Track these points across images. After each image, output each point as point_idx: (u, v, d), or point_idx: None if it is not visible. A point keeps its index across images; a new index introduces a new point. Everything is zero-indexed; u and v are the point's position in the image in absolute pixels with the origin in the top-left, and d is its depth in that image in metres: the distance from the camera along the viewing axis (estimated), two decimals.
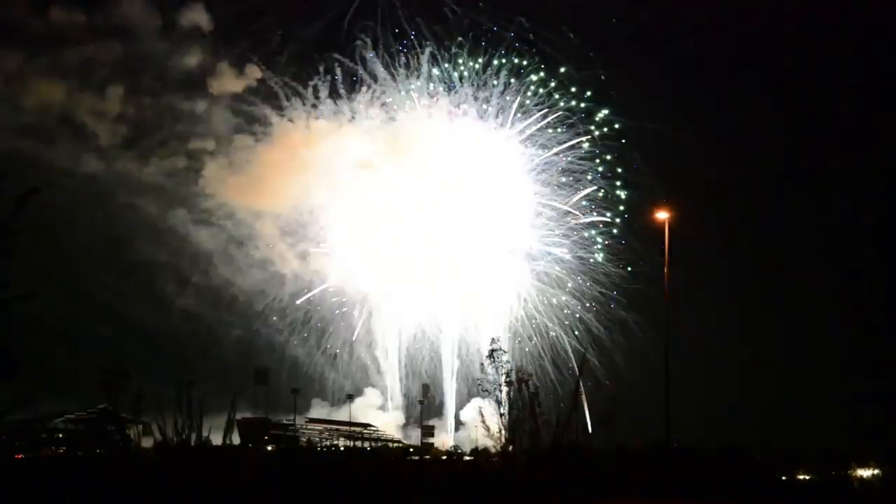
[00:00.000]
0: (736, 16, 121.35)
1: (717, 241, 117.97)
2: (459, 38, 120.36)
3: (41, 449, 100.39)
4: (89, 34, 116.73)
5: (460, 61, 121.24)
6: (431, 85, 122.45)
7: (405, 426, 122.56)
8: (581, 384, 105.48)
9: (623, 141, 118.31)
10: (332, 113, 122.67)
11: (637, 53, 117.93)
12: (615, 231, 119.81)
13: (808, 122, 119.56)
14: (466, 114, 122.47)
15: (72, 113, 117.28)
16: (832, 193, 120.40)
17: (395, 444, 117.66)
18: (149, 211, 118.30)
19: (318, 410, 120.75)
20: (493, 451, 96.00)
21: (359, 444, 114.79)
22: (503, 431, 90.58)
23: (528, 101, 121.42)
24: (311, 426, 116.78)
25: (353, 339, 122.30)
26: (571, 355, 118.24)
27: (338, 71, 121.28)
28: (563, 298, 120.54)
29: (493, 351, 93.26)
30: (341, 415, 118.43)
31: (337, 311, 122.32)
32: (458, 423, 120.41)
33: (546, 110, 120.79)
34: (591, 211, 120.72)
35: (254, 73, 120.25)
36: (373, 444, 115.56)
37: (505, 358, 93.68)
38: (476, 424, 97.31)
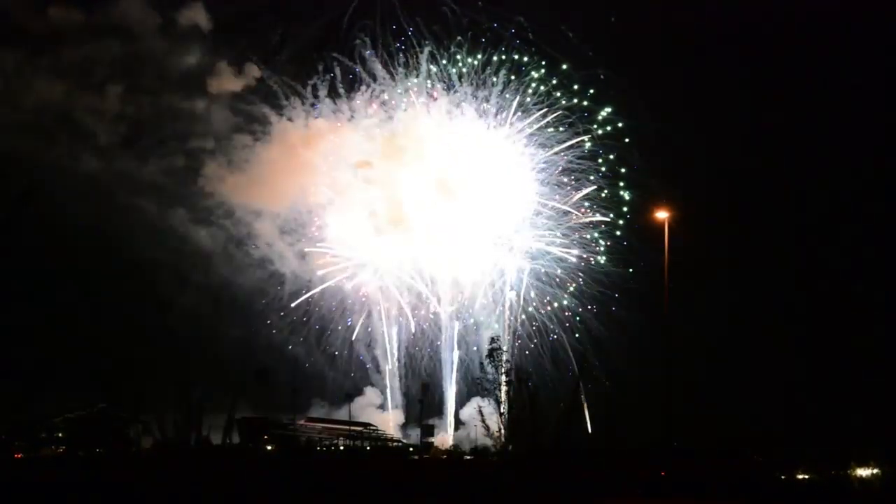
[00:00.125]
0: (737, 15, 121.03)
1: (716, 241, 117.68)
2: (459, 38, 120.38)
3: (41, 449, 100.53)
4: (88, 33, 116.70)
5: (459, 60, 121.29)
6: (430, 83, 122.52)
7: (405, 425, 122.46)
8: (581, 384, 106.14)
9: (627, 140, 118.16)
10: (332, 112, 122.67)
11: (637, 53, 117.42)
12: (615, 230, 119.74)
13: (809, 121, 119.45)
14: (465, 113, 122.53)
15: (71, 112, 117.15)
16: (832, 193, 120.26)
17: (395, 444, 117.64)
18: (148, 210, 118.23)
19: (318, 410, 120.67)
20: (492, 450, 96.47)
21: (358, 443, 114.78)
22: (503, 431, 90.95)
23: (527, 100, 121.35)
24: (310, 425, 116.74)
25: (353, 338, 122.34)
26: (571, 355, 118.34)
27: (337, 70, 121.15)
28: (563, 298, 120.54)
29: (492, 350, 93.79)
30: (341, 414, 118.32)
31: (336, 310, 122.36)
32: (458, 423, 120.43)
33: (546, 109, 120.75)
34: (590, 210, 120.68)
35: (253, 72, 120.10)
36: (372, 443, 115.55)
37: (504, 357, 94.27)
38: (476, 424, 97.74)
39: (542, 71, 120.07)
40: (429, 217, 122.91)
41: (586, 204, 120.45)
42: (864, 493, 79.93)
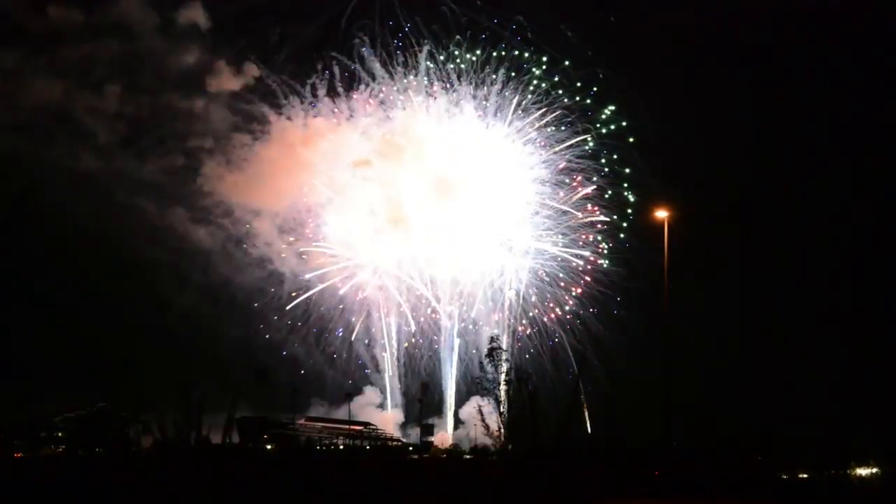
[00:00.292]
0: (736, 15, 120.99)
1: (716, 241, 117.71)
2: (458, 37, 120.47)
3: (41, 448, 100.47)
4: (87, 32, 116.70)
5: (458, 59, 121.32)
6: (429, 82, 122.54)
7: (404, 425, 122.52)
8: (580, 384, 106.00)
9: (631, 140, 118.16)
10: (330, 111, 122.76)
11: (637, 53, 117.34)
12: (615, 230, 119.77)
13: (809, 121, 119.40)
14: (465, 111, 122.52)
15: (70, 111, 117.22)
16: (832, 193, 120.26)
17: (395, 443, 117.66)
18: (147, 209, 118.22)
19: (318, 409, 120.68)
20: (492, 449, 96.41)
21: (358, 442, 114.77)
22: (502, 430, 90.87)
23: (527, 98, 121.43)
24: (310, 425, 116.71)
25: (352, 337, 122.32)
26: (571, 355, 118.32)
27: (336, 69, 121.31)
28: (563, 297, 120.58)
29: (492, 350, 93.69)
30: (340, 413, 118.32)
31: (336, 310, 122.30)
32: (458, 422, 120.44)
33: (545, 108, 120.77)
34: (590, 210, 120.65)
35: (252, 71, 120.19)
36: (372, 442, 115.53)
37: (504, 357, 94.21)
38: (475, 423, 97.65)
39: (543, 68, 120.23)
40: (428, 216, 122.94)
41: (587, 204, 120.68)
42: (864, 493, 79.95)
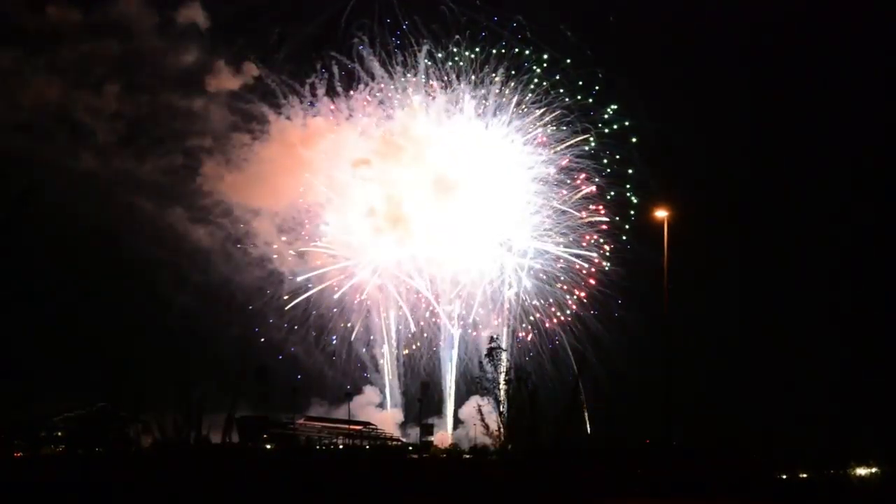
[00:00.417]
0: (736, 15, 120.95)
1: (716, 241, 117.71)
2: (457, 36, 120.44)
3: (41, 448, 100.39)
4: (86, 32, 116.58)
5: (458, 58, 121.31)
6: (428, 81, 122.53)
7: (404, 424, 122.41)
8: (580, 384, 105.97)
9: (633, 140, 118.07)
10: (330, 111, 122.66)
11: (637, 53, 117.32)
12: (615, 230, 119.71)
13: (809, 121, 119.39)
14: (464, 111, 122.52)
15: (68, 110, 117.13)
16: (832, 193, 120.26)
17: (395, 443, 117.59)
18: (146, 209, 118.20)
19: (317, 409, 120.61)
20: (492, 449, 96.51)
21: (358, 442, 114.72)
22: (502, 430, 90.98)
23: (526, 99, 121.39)
24: (309, 425, 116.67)
25: (352, 337, 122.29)
26: (571, 355, 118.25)
27: (335, 69, 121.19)
28: (563, 297, 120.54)
29: (491, 349, 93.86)
30: (340, 413, 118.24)
31: (335, 309, 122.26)
32: (457, 422, 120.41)
33: (545, 108, 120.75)
34: (590, 209, 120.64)
35: (251, 70, 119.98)
36: (372, 442, 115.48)
37: (504, 356, 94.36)
38: (475, 423, 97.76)
39: (544, 66, 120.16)
40: (428, 216, 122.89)
41: (585, 202, 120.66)
42: (864, 493, 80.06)
